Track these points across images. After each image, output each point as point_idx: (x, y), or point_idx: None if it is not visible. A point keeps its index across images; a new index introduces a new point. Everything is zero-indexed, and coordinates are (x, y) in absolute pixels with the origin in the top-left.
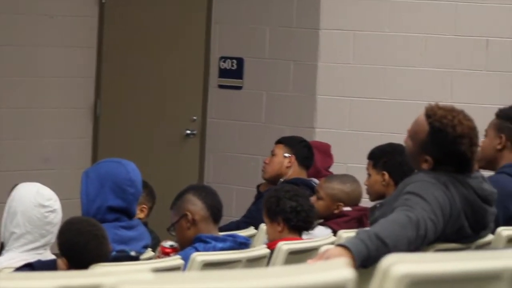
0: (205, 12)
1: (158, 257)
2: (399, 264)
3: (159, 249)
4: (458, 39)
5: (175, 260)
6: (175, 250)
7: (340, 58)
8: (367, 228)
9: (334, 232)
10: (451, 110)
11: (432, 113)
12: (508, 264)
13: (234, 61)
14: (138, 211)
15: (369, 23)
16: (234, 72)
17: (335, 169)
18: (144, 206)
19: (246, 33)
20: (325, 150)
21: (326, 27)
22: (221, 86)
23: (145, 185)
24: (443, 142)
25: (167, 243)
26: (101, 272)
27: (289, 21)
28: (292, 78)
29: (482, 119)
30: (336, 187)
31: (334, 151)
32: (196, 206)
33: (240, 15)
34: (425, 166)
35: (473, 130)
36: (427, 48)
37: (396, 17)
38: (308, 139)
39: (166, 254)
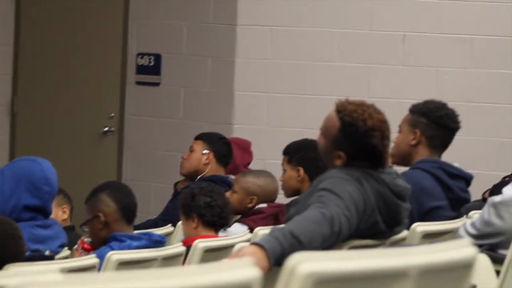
0: (122, 8)
1: (77, 250)
2: (305, 263)
3: (79, 241)
4: (374, 34)
5: (90, 259)
6: (94, 248)
7: (258, 53)
8: (282, 226)
9: (251, 229)
10: (361, 105)
11: (342, 108)
12: (415, 261)
13: (152, 57)
14: (60, 212)
15: (286, 18)
16: (151, 68)
17: (253, 165)
18: (65, 206)
19: (163, 29)
20: (245, 146)
21: (243, 22)
22: (138, 83)
23: (61, 190)
24: (355, 136)
25: (88, 239)
26: (9, 273)
27: (206, 17)
28: (210, 74)
29: (399, 114)
30: (250, 180)
31: (252, 147)
32: (109, 208)
33: (157, 11)
34: (338, 162)
35: (384, 123)
36: (344, 43)
37: (313, 12)
38: (226, 135)
39: (85, 250)
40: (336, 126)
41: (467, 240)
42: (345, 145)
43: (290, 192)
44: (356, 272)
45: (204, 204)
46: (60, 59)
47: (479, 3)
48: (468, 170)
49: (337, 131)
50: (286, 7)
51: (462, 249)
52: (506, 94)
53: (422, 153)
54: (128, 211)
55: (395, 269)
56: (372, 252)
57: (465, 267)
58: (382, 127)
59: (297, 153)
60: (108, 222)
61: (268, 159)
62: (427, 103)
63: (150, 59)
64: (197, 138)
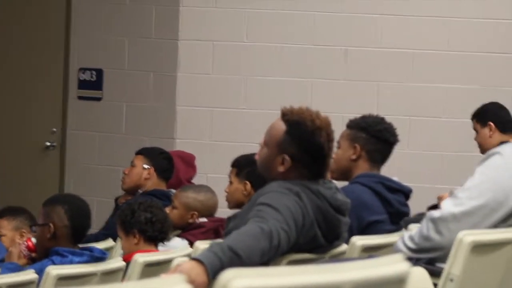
0: (63, 23)
1: (20, 244)
2: (238, 278)
3: (26, 238)
4: (316, 49)
5: (29, 274)
6: (36, 251)
7: (200, 68)
8: (220, 241)
9: (191, 244)
10: (307, 109)
11: (288, 112)
12: (349, 277)
13: (94, 72)
14: (18, 236)
15: (228, 33)
16: (93, 83)
17: (195, 179)
18: (24, 230)
19: (105, 44)
20: (189, 161)
21: (185, 37)
22: (80, 98)
23: (24, 210)
24: (303, 134)
25: (34, 239)
26: None
27: (148, 32)
28: (152, 89)
29: (341, 128)
30: (190, 195)
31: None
32: (62, 222)
33: (99, 26)
34: (281, 168)
35: (329, 125)
36: (286, 58)
37: (254, 27)
38: (168, 149)
39: (28, 248)
40: (281, 130)
41: (401, 255)
42: (292, 146)
43: (233, 204)
44: None
45: (145, 220)
46: (0, 73)
47: (420, 18)
48: (408, 183)
49: (283, 134)
50: (228, 22)
51: (395, 264)
52: (447, 108)
53: (362, 168)
54: (79, 231)
55: (329, 284)
56: (306, 268)
57: (398, 282)
58: (328, 129)
59: (247, 167)
60: (56, 235)
61: (210, 173)
62: (364, 117)
63: (92, 74)
64: (138, 153)
